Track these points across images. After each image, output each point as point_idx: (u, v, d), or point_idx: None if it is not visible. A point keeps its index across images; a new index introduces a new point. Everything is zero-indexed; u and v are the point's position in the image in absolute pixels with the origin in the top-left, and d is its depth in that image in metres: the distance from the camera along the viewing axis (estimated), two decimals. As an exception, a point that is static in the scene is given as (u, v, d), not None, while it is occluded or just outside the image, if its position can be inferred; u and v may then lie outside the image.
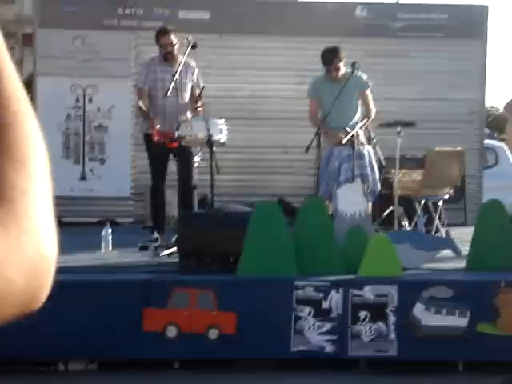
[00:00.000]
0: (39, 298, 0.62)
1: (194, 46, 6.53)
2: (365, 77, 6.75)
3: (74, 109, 8.53)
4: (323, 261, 5.23)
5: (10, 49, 0.68)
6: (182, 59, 6.50)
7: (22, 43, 22.60)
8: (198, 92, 6.60)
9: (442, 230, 6.66)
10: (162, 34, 6.62)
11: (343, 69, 6.64)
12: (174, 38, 6.57)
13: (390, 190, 6.86)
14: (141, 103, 6.60)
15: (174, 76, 6.33)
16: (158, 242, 6.35)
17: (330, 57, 6.57)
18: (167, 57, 6.58)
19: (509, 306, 4.96)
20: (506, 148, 10.48)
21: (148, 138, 6.60)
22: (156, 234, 6.48)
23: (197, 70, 6.71)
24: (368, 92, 6.73)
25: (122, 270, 5.33)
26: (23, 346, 4.79)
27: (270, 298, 5.01)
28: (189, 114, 6.65)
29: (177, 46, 6.58)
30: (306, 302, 4.99)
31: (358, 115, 6.71)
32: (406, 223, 6.82)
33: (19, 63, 25.74)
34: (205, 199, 7.13)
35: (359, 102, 6.73)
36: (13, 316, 0.60)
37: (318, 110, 6.77)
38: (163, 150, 6.43)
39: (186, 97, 6.64)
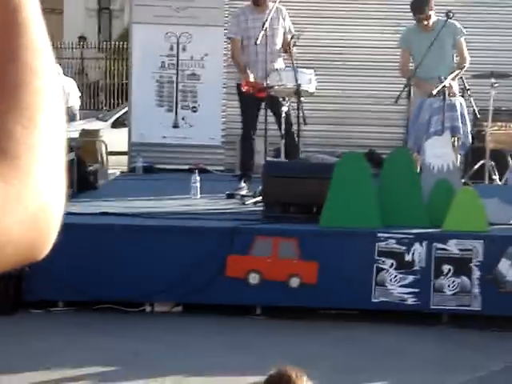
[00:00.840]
0: (41, 249, 0.62)
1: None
2: (458, 25, 6.56)
3: (167, 57, 8.64)
4: (408, 213, 5.19)
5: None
6: (272, 6, 6.49)
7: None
8: (289, 38, 6.58)
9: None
10: None
11: (434, 17, 6.48)
12: None
13: (483, 142, 6.70)
14: (234, 53, 6.67)
15: (263, 24, 6.33)
16: (245, 191, 6.44)
17: (419, 6, 6.44)
18: (258, 1, 6.57)
19: None
20: None
21: (240, 87, 6.66)
22: (243, 183, 6.57)
23: (287, 16, 6.68)
24: (462, 40, 6.55)
25: (207, 216, 5.44)
26: (112, 289, 5.00)
27: (352, 249, 5.03)
28: (280, 62, 6.65)
29: None
30: (389, 254, 4.99)
31: (452, 65, 6.55)
32: (496, 177, 6.65)
33: (121, 10, 26.15)
34: (294, 149, 7.14)
35: (453, 51, 6.57)
36: (13, 264, 0.61)
37: (409, 60, 6.66)
38: (254, 100, 6.47)
39: (279, 44, 6.63)
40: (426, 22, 6.44)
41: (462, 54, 6.55)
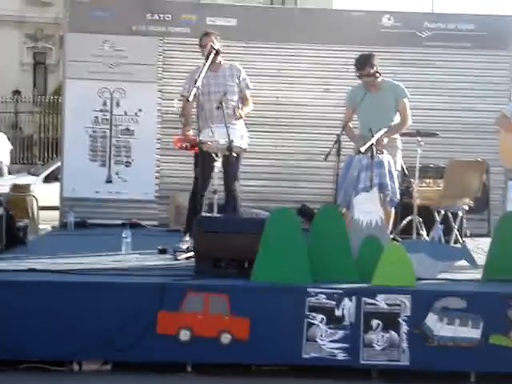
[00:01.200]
0: None
1: (217, 53, 6.62)
2: (402, 86, 6.78)
3: (101, 112, 8.66)
4: (338, 269, 5.25)
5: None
6: (232, 64, 6.67)
7: (60, 46, 22.99)
8: (248, 92, 6.70)
9: (462, 241, 6.65)
10: (204, 35, 6.77)
11: (379, 78, 6.67)
12: (215, 39, 6.69)
13: (411, 198, 6.86)
14: (183, 110, 6.73)
15: (195, 81, 6.39)
16: (189, 244, 6.40)
17: (360, 62, 6.65)
18: (209, 57, 6.65)
19: (522, 318, 4.94)
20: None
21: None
22: (188, 237, 6.55)
23: (243, 73, 6.79)
24: (405, 101, 6.75)
25: (138, 272, 5.40)
26: (38, 347, 4.89)
27: (283, 305, 5.04)
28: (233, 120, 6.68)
29: (218, 47, 6.66)
30: (319, 309, 5.02)
31: (391, 124, 6.72)
32: (424, 233, 6.81)
33: (57, 65, 26.14)
34: (227, 204, 7.19)
35: (396, 111, 6.75)
36: None
37: (351, 117, 6.82)
38: (210, 157, 6.46)
39: (228, 101, 6.69)
40: (366, 79, 6.63)
41: (403, 113, 6.74)
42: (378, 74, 6.61)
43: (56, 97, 18.77)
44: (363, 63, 6.64)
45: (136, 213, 8.51)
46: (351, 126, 6.80)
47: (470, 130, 8.70)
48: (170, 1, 8.93)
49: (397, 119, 6.74)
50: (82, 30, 8.52)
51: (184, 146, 6.67)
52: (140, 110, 8.61)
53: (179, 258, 6.04)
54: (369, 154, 6.20)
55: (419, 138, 6.67)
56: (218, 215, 6.19)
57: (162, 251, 6.37)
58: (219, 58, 6.74)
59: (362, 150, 6.16)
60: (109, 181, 8.68)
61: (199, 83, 6.28)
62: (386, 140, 6.53)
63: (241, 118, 6.65)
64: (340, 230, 5.36)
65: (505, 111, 6.84)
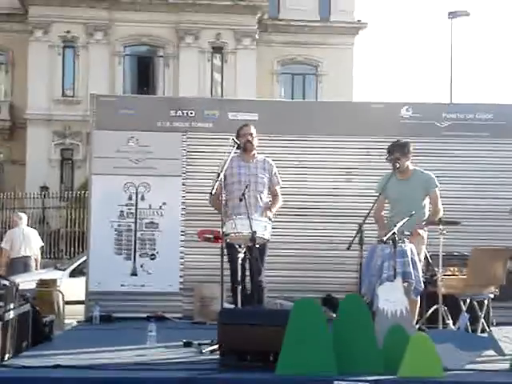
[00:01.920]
0: None
1: (238, 147, 6.80)
2: (433, 176, 6.92)
3: (126, 206, 8.80)
4: (363, 360, 5.21)
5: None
6: (265, 158, 6.97)
7: (87, 142, 23.55)
8: (278, 188, 6.87)
9: (489, 330, 6.57)
10: (242, 126, 7.12)
11: (411, 167, 6.83)
12: (253, 130, 6.94)
13: (436, 287, 6.84)
14: (212, 205, 6.93)
15: (218, 174, 6.58)
16: None
17: (392, 148, 6.84)
18: (246, 146, 6.89)
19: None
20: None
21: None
22: None
23: (274, 168, 6.98)
24: (436, 191, 6.89)
25: (162, 366, 5.38)
26: None
27: (310, 398, 4.99)
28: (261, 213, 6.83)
29: (255, 141, 6.89)
30: (346, 402, 4.95)
31: (423, 214, 6.81)
32: (450, 322, 6.74)
33: (84, 161, 26.69)
34: (251, 295, 7.20)
35: (427, 200, 6.87)
36: None
37: (383, 206, 6.94)
38: (236, 252, 6.57)
39: (257, 194, 6.84)
40: (395, 165, 6.77)
41: (435, 204, 6.89)
42: (407, 162, 6.73)
43: (82, 192, 19.09)
44: (394, 150, 6.90)
45: (161, 305, 8.51)
46: (383, 214, 6.91)
47: (492, 218, 8.69)
48: (193, 97, 9.19)
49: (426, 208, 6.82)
50: (108, 127, 8.76)
51: (208, 237, 6.76)
52: (164, 204, 8.74)
53: (204, 351, 6.02)
54: (391, 243, 6.24)
55: (441, 227, 6.70)
56: (243, 307, 6.20)
57: (187, 344, 6.36)
58: (254, 151, 6.97)
59: (385, 238, 6.20)
60: (134, 274, 8.74)
61: (222, 176, 6.46)
62: (422, 232, 6.61)
63: (269, 218, 6.77)
64: (365, 320, 5.34)
65: None
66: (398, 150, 6.87)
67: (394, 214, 6.68)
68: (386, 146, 7.22)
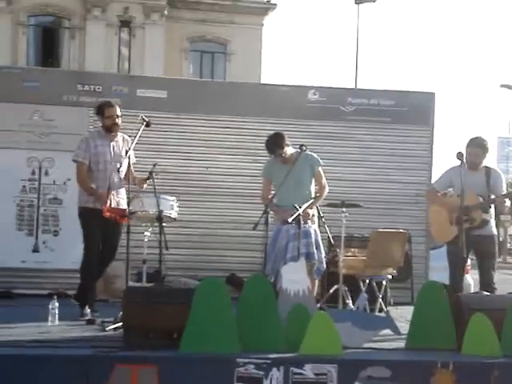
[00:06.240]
0: None
1: (147, 125, 6.74)
2: (316, 156, 7.01)
3: (29, 181, 8.63)
4: (266, 338, 5.32)
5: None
6: (123, 135, 6.76)
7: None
8: (132, 167, 6.80)
9: (386, 310, 6.81)
10: (108, 105, 6.87)
11: (291, 149, 6.91)
12: (119, 111, 6.82)
13: (337, 268, 7.02)
14: (82, 176, 6.77)
15: (126, 152, 6.55)
16: (88, 317, 6.45)
17: (272, 146, 6.90)
18: (113, 128, 6.78)
19: (445, 386, 5.08)
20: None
21: (84, 210, 6.70)
22: (88, 309, 6.61)
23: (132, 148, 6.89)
24: (320, 170, 6.98)
25: (64, 344, 5.34)
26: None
27: (212, 375, 5.06)
28: (123, 190, 6.79)
29: (120, 120, 6.81)
30: (247, 380, 5.05)
31: (310, 193, 6.92)
32: (350, 301, 6.96)
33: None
34: (156, 273, 7.21)
35: (312, 180, 6.97)
36: None
37: (270, 189, 7.03)
38: (99, 225, 6.55)
39: (124, 171, 6.81)
40: (280, 158, 6.87)
41: (320, 182, 6.98)
42: (286, 151, 6.83)
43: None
44: (273, 148, 6.89)
45: (64, 283, 8.39)
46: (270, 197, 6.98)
47: (392, 201, 9.00)
48: (101, 73, 9.06)
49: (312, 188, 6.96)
50: (11, 99, 8.53)
51: (113, 216, 6.69)
52: (69, 180, 8.59)
53: (107, 328, 6.00)
54: (295, 224, 6.36)
55: (344, 209, 6.87)
56: (146, 285, 6.21)
57: (90, 322, 6.32)
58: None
59: (290, 220, 6.32)
60: (36, 250, 8.59)
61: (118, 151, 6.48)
62: (311, 211, 6.72)
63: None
64: (268, 299, 5.45)
65: (433, 185, 7.14)
66: (277, 147, 6.88)
67: (282, 197, 6.75)
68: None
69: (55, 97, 8.65)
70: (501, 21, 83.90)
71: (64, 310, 6.38)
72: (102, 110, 6.84)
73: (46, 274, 8.48)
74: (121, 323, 5.78)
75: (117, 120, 6.79)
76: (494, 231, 6.88)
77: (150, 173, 6.61)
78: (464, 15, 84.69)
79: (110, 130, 6.81)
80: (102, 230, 6.70)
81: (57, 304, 6.28)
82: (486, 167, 6.78)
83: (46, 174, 8.65)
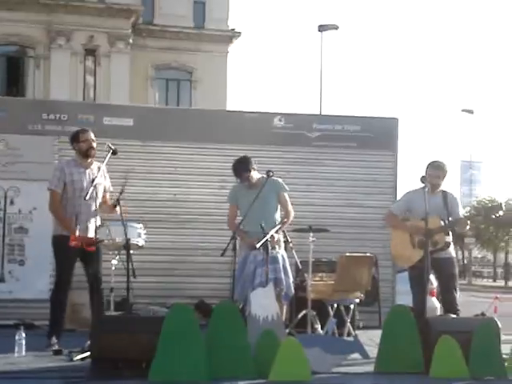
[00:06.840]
0: None
1: (114, 152, 6.73)
2: (281, 181, 7.06)
3: (-6, 211, 8.55)
4: (236, 365, 5.31)
5: None
6: (99, 164, 6.69)
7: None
8: (108, 195, 6.75)
9: (355, 334, 6.84)
10: (82, 131, 6.82)
11: (257, 174, 6.95)
12: (93, 136, 6.77)
13: (305, 292, 7.04)
14: (55, 205, 6.70)
15: (93, 180, 6.51)
16: (56, 347, 6.34)
17: (239, 169, 6.92)
18: (90, 152, 6.69)
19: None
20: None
21: (57, 239, 6.65)
22: (55, 339, 6.50)
23: (107, 176, 6.86)
24: (285, 195, 7.02)
25: (31, 375, 5.27)
26: None
27: (182, 403, 5.03)
28: (98, 218, 6.73)
29: (95, 144, 6.75)
30: (217, 407, 5.03)
31: (276, 219, 6.95)
32: (318, 326, 6.97)
33: None
34: (124, 301, 7.16)
35: (278, 205, 7.00)
36: None
37: (236, 214, 7.05)
38: (73, 253, 6.48)
39: (99, 199, 6.76)
40: (246, 182, 6.90)
41: (285, 208, 7.01)
42: (253, 176, 6.87)
43: None
44: (239, 171, 6.92)
45: (30, 313, 8.29)
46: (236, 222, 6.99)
47: (359, 226, 9.07)
48: (67, 101, 9.04)
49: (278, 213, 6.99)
50: (-25, 128, 8.48)
51: (80, 244, 6.64)
52: (35, 209, 8.55)
53: (75, 358, 5.94)
54: (263, 250, 6.38)
55: (311, 234, 6.91)
56: (114, 314, 6.16)
57: (57, 352, 6.25)
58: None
59: (258, 245, 6.34)
60: (1, 280, 8.49)
61: (97, 181, 6.41)
62: (276, 236, 6.75)
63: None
64: (237, 325, 5.45)
65: (392, 209, 7.13)
66: (243, 171, 6.92)
67: (248, 223, 6.77)
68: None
69: (20, 126, 8.61)
70: (461, 46, 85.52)
71: (31, 340, 6.30)
72: (76, 136, 6.77)
73: (11, 304, 8.37)
74: (88, 353, 5.73)
75: (93, 144, 6.72)
76: (453, 253, 6.95)
77: (118, 200, 6.58)
78: (425, 41, 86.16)
79: (86, 155, 6.68)
80: (80, 258, 6.59)
81: (23, 334, 6.21)
82: (442, 191, 6.85)
83: (12, 203, 8.59)
